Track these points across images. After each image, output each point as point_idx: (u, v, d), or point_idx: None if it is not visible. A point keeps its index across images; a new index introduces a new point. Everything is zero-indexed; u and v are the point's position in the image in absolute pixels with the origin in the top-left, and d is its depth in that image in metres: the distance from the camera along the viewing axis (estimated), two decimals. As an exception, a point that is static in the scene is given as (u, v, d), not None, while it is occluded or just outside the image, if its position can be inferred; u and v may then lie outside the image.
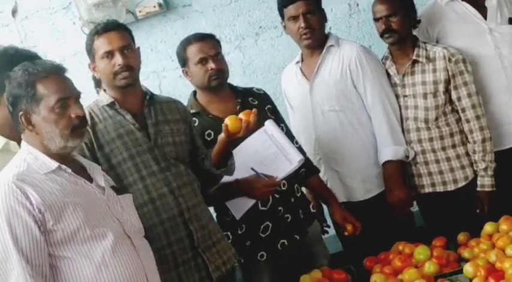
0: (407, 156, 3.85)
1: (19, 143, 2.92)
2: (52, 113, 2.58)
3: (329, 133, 3.92)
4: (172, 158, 3.29)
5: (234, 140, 3.29)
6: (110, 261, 2.59)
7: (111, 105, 3.28)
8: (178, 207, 3.25)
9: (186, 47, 3.61)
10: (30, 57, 3.00)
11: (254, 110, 3.31)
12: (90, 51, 3.26)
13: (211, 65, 3.55)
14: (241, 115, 3.26)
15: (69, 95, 2.62)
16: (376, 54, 4.01)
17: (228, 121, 3.24)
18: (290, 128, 3.98)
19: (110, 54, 3.21)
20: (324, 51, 3.87)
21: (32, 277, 2.46)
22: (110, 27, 3.24)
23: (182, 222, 3.24)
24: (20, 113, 2.60)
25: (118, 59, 3.20)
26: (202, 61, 3.56)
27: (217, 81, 3.58)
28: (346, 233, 3.83)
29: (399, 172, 3.86)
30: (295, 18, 3.82)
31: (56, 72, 2.64)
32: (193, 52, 3.57)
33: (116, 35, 3.23)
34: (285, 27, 3.93)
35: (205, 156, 3.35)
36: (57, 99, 2.58)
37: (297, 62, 4.02)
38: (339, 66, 3.85)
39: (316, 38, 3.85)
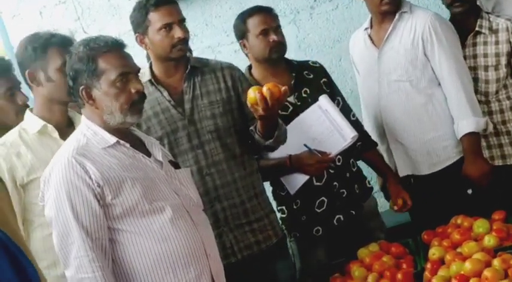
0: (485, 129, 3.73)
1: None
2: (113, 88, 2.62)
3: (394, 104, 3.82)
4: (211, 131, 3.30)
5: (260, 114, 3.07)
6: (169, 234, 2.62)
7: (150, 81, 3.33)
8: (204, 187, 3.27)
9: (246, 18, 3.59)
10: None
11: (284, 88, 3.04)
12: (142, 23, 3.28)
13: (273, 36, 3.54)
14: (264, 87, 3.03)
15: (129, 70, 2.66)
16: (450, 23, 3.84)
17: (251, 91, 3.05)
18: (358, 93, 3.96)
19: (168, 27, 3.24)
20: (396, 18, 3.76)
21: (92, 250, 2.50)
22: (165, 1, 3.27)
23: (208, 201, 3.24)
24: (81, 88, 2.64)
25: (178, 32, 3.24)
26: (264, 33, 3.54)
27: (278, 54, 3.58)
28: (395, 208, 3.80)
29: (480, 144, 3.76)
30: None
31: (117, 48, 2.67)
32: (255, 23, 3.56)
33: (174, 8, 3.29)
34: None
35: (254, 129, 3.33)
36: (118, 74, 2.61)
37: (366, 28, 3.92)
38: (411, 35, 3.74)
39: (396, 3, 3.75)
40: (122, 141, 2.67)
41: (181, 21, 3.30)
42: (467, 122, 3.69)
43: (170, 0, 3.31)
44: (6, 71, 3.26)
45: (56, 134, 3.06)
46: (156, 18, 3.25)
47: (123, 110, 2.64)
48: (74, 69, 2.66)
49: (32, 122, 3.08)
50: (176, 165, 2.88)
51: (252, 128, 3.34)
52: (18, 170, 3.00)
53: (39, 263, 2.90)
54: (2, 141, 3.08)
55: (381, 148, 3.97)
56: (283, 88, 3.03)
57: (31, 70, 3.03)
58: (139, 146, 2.76)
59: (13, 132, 3.10)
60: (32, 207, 2.99)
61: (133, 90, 2.64)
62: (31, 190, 2.96)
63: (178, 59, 3.32)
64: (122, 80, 2.62)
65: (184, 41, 3.29)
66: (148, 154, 2.75)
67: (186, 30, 3.31)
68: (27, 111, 3.14)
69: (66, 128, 3.08)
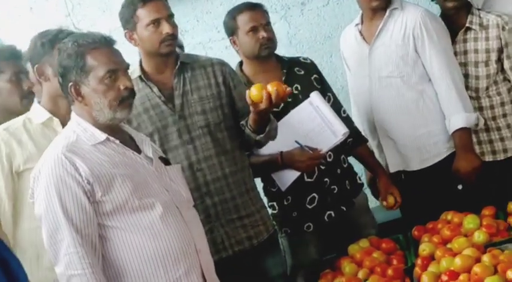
0: (476, 124, 3.73)
1: None
2: (101, 84, 2.61)
3: (385, 99, 3.82)
4: (202, 126, 3.30)
5: (260, 110, 3.14)
6: (159, 231, 2.62)
7: (140, 77, 3.34)
8: (195, 182, 3.28)
9: (236, 15, 3.59)
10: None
11: (288, 89, 3.17)
12: (131, 20, 3.29)
13: (262, 33, 3.54)
14: (269, 85, 3.11)
15: (118, 67, 2.64)
16: (440, 19, 3.83)
17: (253, 89, 3.12)
18: (348, 90, 3.97)
19: (156, 22, 3.25)
20: (387, 14, 3.75)
21: (81, 246, 2.50)
22: None
23: (199, 197, 3.25)
24: (70, 84, 2.63)
25: (166, 27, 3.24)
26: (254, 30, 3.54)
27: (268, 50, 3.58)
28: (384, 203, 3.81)
29: (471, 139, 3.76)
30: None
31: (106, 44, 2.66)
32: (244, 20, 3.56)
33: (162, 3, 3.29)
34: None
35: (245, 123, 3.34)
36: (106, 71, 2.61)
37: (357, 24, 3.91)
38: (401, 31, 3.73)
39: None
40: (111, 138, 2.67)
41: (170, 17, 3.30)
42: (459, 117, 3.69)
43: None
44: (14, 57, 3.36)
45: (60, 128, 3.07)
46: (144, 14, 3.25)
47: (112, 106, 2.63)
48: (62, 66, 2.65)
49: (38, 113, 3.13)
50: (166, 162, 2.88)
51: (243, 122, 3.34)
52: (17, 156, 3.04)
53: (23, 254, 2.94)
54: (5, 126, 3.13)
55: (372, 144, 3.98)
56: (288, 89, 3.13)
57: (40, 65, 3.07)
58: (129, 142, 2.76)
59: (18, 120, 3.15)
60: (23, 197, 3.01)
61: (122, 87, 2.63)
62: (25, 179, 2.96)
63: (167, 54, 3.32)
64: (111, 77, 2.61)
65: (173, 36, 3.29)
66: (138, 151, 2.74)
67: (174, 26, 3.31)
68: (35, 103, 3.20)
69: None
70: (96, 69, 2.60)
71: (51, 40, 3.04)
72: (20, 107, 3.31)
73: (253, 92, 3.09)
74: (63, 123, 3.06)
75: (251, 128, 3.26)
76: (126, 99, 2.66)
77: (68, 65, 2.62)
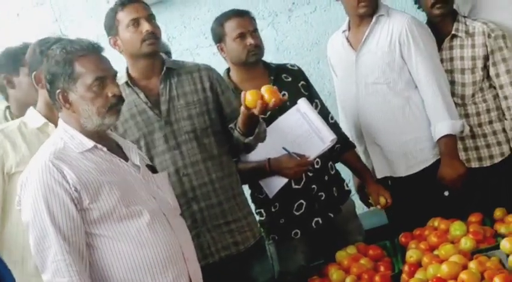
0: (461, 131, 3.75)
1: None
2: (89, 92, 2.61)
3: (372, 106, 3.83)
4: (188, 132, 3.30)
5: (252, 113, 3.15)
6: (146, 239, 2.62)
7: (127, 83, 3.34)
8: (182, 187, 3.28)
9: (223, 22, 3.60)
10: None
11: (285, 97, 3.23)
12: (113, 25, 3.31)
13: (249, 40, 3.54)
14: (264, 91, 3.11)
15: (106, 74, 2.64)
16: (426, 26, 3.85)
17: (249, 95, 3.11)
18: (335, 96, 4.00)
19: (136, 22, 3.26)
20: (374, 21, 3.76)
21: (69, 254, 2.49)
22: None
23: (185, 202, 3.26)
24: (58, 91, 2.63)
25: (146, 26, 3.26)
26: (241, 36, 3.55)
27: (255, 57, 3.58)
28: (378, 207, 3.81)
29: (456, 146, 3.76)
30: None
31: (94, 51, 2.66)
32: (232, 27, 3.56)
33: (140, 5, 3.31)
34: None
35: (234, 126, 3.34)
36: (94, 78, 2.60)
37: (344, 31, 3.93)
38: (388, 38, 3.74)
39: (373, 6, 3.75)
40: (99, 145, 2.66)
41: (149, 17, 3.31)
42: (444, 124, 3.70)
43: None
44: None
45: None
46: (123, 16, 3.28)
47: (100, 113, 2.62)
48: (50, 73, 2.64)
49: (33, 118, 3.14)
50: (153, 170, 2.88)
51: (231, 125, 3.34)
52: (10, 158, 3.05)
53: (9, 256, 2.93)
54: (0, 128, 3.14)
55: (359, 150, 3.99)
56: (286, 97, 3.21)
57: (38, 72, 3.06)
58: (116, 150, 2.75)
59: (13, 123, 3.18)
60: (12, 199, 2.99)
61: (110, 94, 2.63)
62: (16, 181, 2.93)
63: (150, 54, 3.32)
64: (99, 84, 2.61)
65: (154, 35, 3.29)
66: (125, 158, 2.74)
67: (155, 26, 3.32)
68: (31, 108, 3.20)
69: None
70: (84, 76, 2.60)
71: (50, 48, 3.04)
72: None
73: (249, 98, 3.09)
74: None
75: (240, 131, 3.27)
76: (115, 105, 2.66)
77: (56, 72, 2.62)
